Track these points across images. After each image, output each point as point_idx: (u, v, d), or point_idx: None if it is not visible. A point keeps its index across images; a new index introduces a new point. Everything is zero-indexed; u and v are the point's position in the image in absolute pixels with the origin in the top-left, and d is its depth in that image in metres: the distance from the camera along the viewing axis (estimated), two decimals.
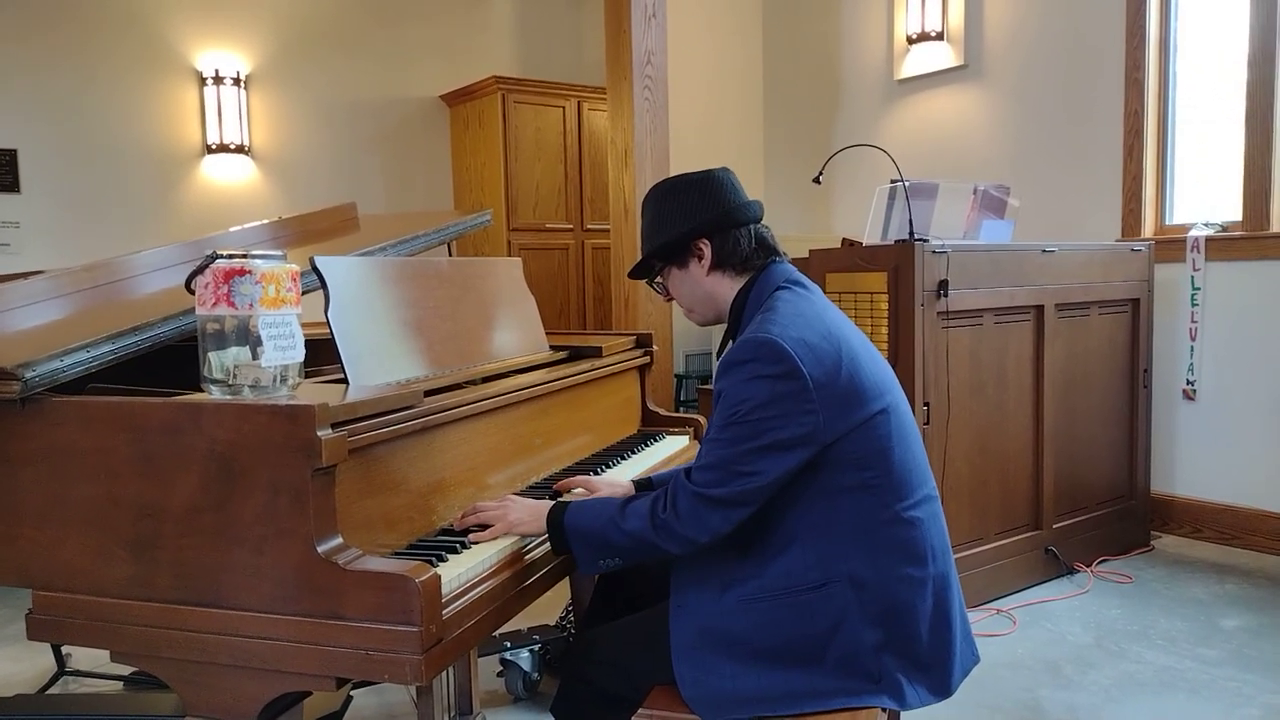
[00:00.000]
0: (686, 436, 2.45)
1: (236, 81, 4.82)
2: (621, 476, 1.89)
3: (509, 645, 2.46)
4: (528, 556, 1.52)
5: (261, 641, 1.23)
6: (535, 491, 1.80)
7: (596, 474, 1.93)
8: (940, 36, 4.65)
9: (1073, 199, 4.17)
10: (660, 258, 1.64)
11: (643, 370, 2.51)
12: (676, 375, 5.32)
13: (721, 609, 1.44)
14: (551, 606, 2.73)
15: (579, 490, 1.79)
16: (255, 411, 1.24)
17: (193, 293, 1.36)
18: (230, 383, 1.33)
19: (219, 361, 1.34)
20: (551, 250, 5.36)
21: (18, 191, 4.36)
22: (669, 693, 1.46)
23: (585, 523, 1.49)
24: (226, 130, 4.80)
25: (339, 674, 1.22)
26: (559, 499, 1.59)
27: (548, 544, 1.57)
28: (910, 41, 4.76)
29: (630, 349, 2.44)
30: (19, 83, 4.35)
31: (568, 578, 2.16)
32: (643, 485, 1.81)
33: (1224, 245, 3.65)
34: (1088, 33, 4.08)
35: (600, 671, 1.59)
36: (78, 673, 2.67)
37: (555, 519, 1.52)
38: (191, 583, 1.27)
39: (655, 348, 2.52)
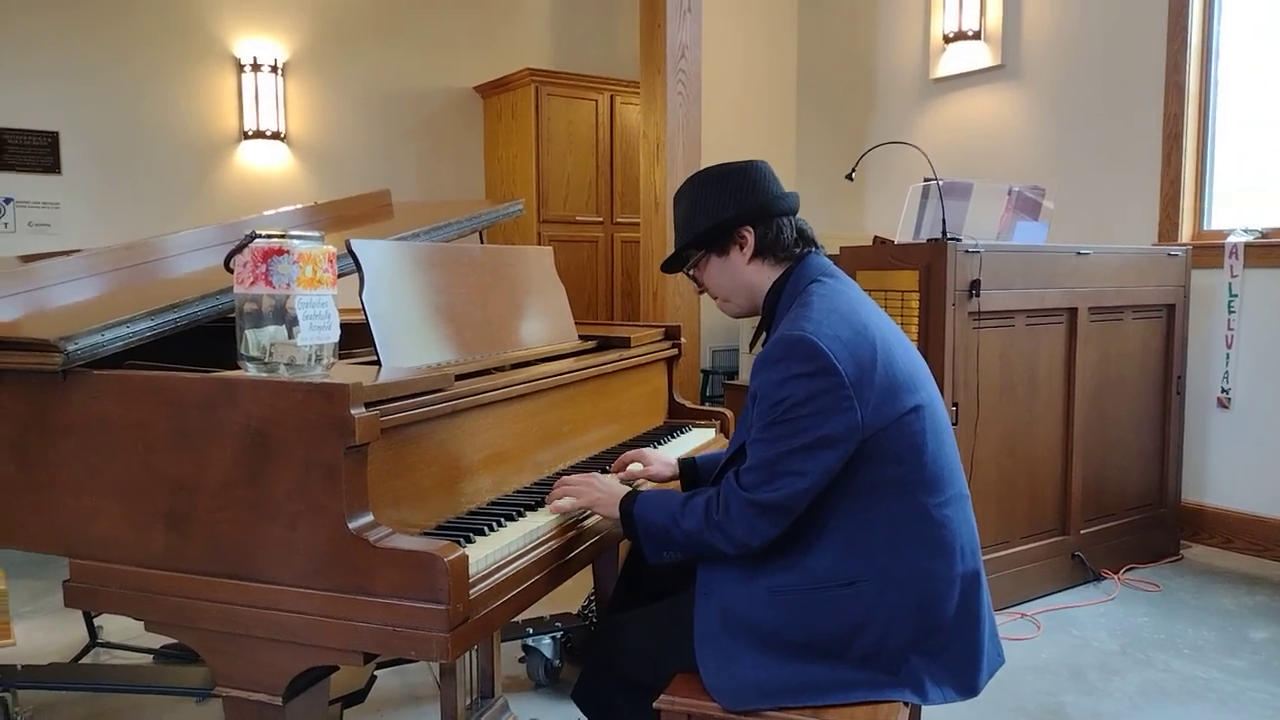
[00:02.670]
0: (713, 430, 2.45)
1: (274, 69, 4.86)
2: (668, 456, 1.92)
3: (531, 631, 2.48)
4: (553, 542, 1.53)
5: (292, 615, 1.25)
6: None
7: None
8: (977, 36, 4.61)
9: (1109, 202, 4.12)
10: (700, 245, 1.64)
11: (670, 362, 2.52)
12: (703, 370, 5.32)
13: (748, 598, 1.44)
14: (574, 595, 2.74)
15: (634, 466, 1.86)
16: (291, 389, 1.25)
17: (231, 271, 1.38)
18: (266, 360, 1.35)
19: (255, 339, 1.36)
20: (581, 243, 5.37)
21: (59, 173, 4.43)
22: (691, 680, 1.47)
23: (650, 515, 1.52)
24: (263, 117, 4.85)
25: (366, 649, 1.23)
26: (632, 488, 1.62)
27: (573, 531, 1.58)
28: (947, 40, 4.72)
29: (658, 340, 2.44)
30: (62, 67, 4.42)
31: (590, 567, 2.18)
32: (686, 466, 1.84)
33: (1263, 252, 3.59)
34: (1128, 35, 4.03)
35: (623, 658, 1.60)
36: (109, 644, 2.72)
37: (626, 507, 1.55)
38: (225, 555, 1.29)
39: (683, 340, 2.53)
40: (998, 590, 2.96)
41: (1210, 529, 3.76)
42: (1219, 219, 3.87)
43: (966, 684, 1.47)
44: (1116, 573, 3.37)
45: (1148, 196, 3.97)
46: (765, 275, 1.61)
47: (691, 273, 1.69)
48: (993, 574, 2.90)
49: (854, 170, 3.27)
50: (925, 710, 1.74)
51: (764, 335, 1.61)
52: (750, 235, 1.59)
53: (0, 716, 2.19)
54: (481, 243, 2.44)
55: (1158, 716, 2.36)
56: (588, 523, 1.64)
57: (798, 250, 1.60)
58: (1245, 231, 3.67)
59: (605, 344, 2.24)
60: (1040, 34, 4.39)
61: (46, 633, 2.93)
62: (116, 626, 2.76)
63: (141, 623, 1.37)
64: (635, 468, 1.86)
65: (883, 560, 1.42)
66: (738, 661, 1.42)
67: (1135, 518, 3.51)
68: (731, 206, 1.59)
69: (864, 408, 1.39)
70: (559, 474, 1.85)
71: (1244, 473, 3.69)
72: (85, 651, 2.69)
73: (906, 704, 1.44)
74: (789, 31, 5.74)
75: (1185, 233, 3.88)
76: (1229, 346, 3.69)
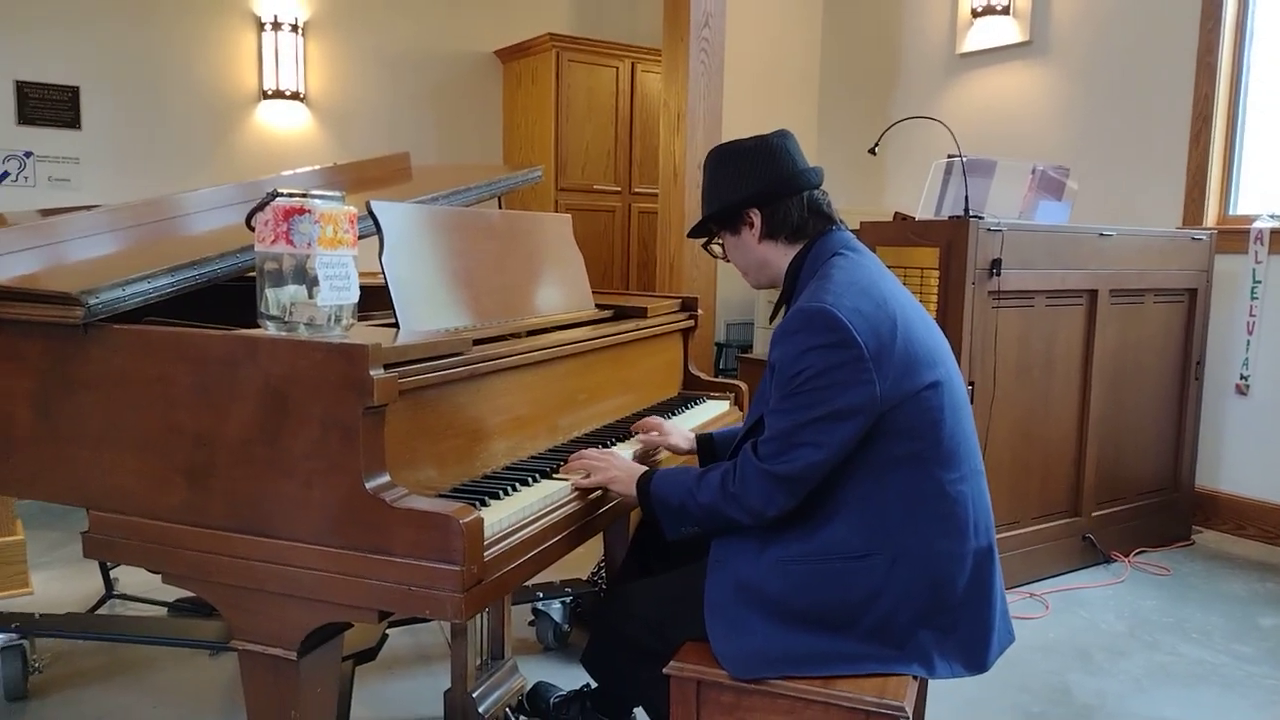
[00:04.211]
0: (727, 402, 2.45)
1: (295, 28, 4.83)
2: (686, 429, 1.95)
3: (541, 596, 2.50)
4: (567, 508, 1.54)
5: (308, 571, 1.26)
6: (576, 445, 1.81)
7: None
8: (1006, 11, 4.53)
9: (1134, 183, 4.07)
10: (714, 224, 1.66)
11: (686, 334, 2.51)
12: (717, 343, 5.31)
13: (759, 568, 1.45)
14: (584, 561, 2.76)
15: (652, 434, 1.89)
16: (311, 348, 1.26)
17: (252, 229, 1.38)
18: (286, 320, 1.35)
19: (276, 298, 1.36)
20: (598, 212, 5.34)
21: (79, 128, 4.43)
22: (700, 648, 1.48)
23: (666, 492, 1.54)
24: (283, 77, 4.83)
25: (381, 607, 1.24)
26: (648, 465, 1.64)
27: (588, 498, 1.59)
28: (975, 15, 4.65)
29: (675, 311, 2.44)
30: (84, 21, 4.41)
31: (601, 534, 2.19)
32: (704, 440, 1.85)
33: None
34: (1160, 12, 3.95)
35: (633, 625, 1.61)
36: (125, 596, 2.76)
37: (643, 485, 1.57)
38: (243, 511, 1.30)
39: (700, 311, 2.52)
40: (1008, 569, 2.94)
41: (1223, 515, 3.75)
42: (1245, 204, 3.82)
43: (976, 660, 1.47)
44: (1127, 555, 3.36)
45: (1173, 178, 3.92)
46: (779, 253, 1.61)
47: (716, 243, 1.70)
48: (1003, 553, 2.87)
49: (877, 145, 3.24)
50: (932, 684, 1.75)
51: (784, 307, 1.61)
52: (757, 217, 1.60)
53: (18, 664, 2.22)
54: (500, 209, 2.43)
55: (1163, 698, 2.37)
56: (599, 492, 1.65)
57: (812, 229, 1.59)
58: (1271, 217, 3.62)
59: (622, 313, 2.24)
60: (1070, 10, 4.31)
61: (64, 583, 2.97)
62: (133, 579, 2.79)
63: (157, 576, 1.39)
64: (652, 438, 1.88)
65: (896, 534, 1.42)
66: (747, 630, 1.43)
67: (1147, 501, 3.50)
68: (739, 189, 1.59)
69: (883, 381, 1.39)
70: (573, 441, 1.86)
71: (1259, 460, 3.66)
72: (101, 602, 2.73)
73: (915, 677, 1.45)
74: (814, 1, 5.67)
75: (1210, 216, 3.83)
76: (1250, 333, 3.65)
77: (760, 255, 1.63)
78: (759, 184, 1.58)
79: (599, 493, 1.62)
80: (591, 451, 1.67)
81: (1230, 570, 3.32)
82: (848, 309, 1.40)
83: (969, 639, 1.46)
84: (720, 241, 1.69)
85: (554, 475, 1.62)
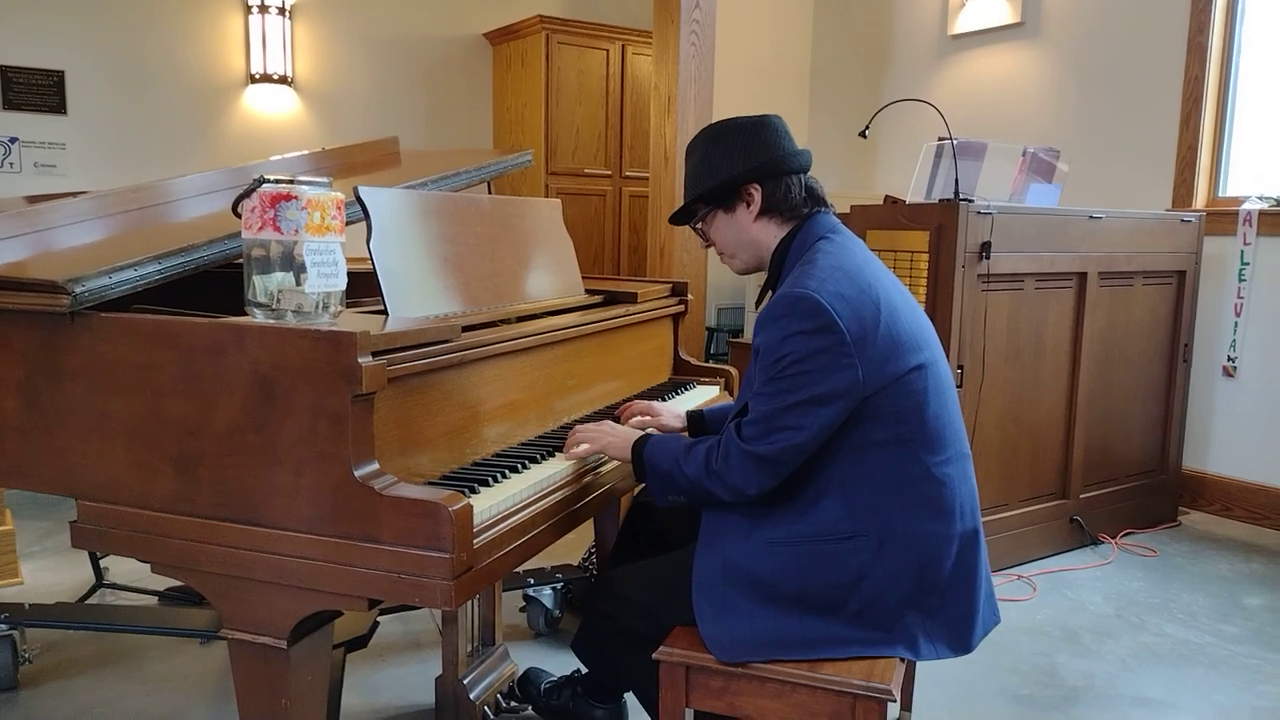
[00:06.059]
0: (717, 387, 2.45)
1: (282, 11, 4.79)
2: (678, 409, 1.96)
3: (532, 582, 2.51)
4: (556, 494, 1.54)
5: (298, 560, 1.26)
6: (567, 431, 1.81)
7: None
8: None
9: (1124, 165, 4.07)
10: (707, 201, 1.63)
11: (677, 319, 2.51)
12: (708, 328, 5.31)
13: (747, 550, 1.46)
14: (575, 547, 2.77)
15: (643, 417, 1.88)
16: (299, 336, 1.25)
17: (239, 216, 1.37)
18: (274, 307, 1.35)
19: (263, 285, 1.35)
20: (589, 196, 5.33)
21: (64, 113, 4.39)
22: (689, 633, 1.49)
23: (658, 458, 1.56)
24: (270, 60, 4.79)
25: (371, 595, 1.25)
26: (645, 432, 1.66)
27: (577, 483, 1.59)
28: None
29: (665, 296, 2.43)
30: (68, 4, 4.36)
31: (592, 520, 2.20)
32: (694, 418, 1.87)
33: (1277, 220, 3.55)
34: None
35: (623, 610, 1.62)
36: (115, 585, 2.76)
37: (638, 449, 1.59)
38: (232, 500, 1.30)
39: (690, 297, 2.52)
40: (995, 551, 2.98)
41: (1210, 496, 3.78)
42: (1234, 185, 3.83)
43: (961, 641, 1.48)
44: (1114, 537, 3.39)
45: (1164, 160, 3.92)
46: (771, 233, 1.60)
47: (699, 227, 1.68)
48: (991, 535, 2.92)
49: (868, 127, 3.23)
50: (920, 665, 1.77)
51: (770, 292, 1.61)
52: (757, 193, 1.59)
53: (8, 654, 2.22)
54: (490, 193, 2.42)
55: (1149, 679, 2.39)
56: (589, 477, 1.65)
57: (805, 209, 1.59)
58: (1260, 199, 3.63)
59: (612, 299, 2.24)
60: None
61: (53, 573, 2.96)
62: (122, 568, 2.79)
63: (147, 565, 1.39)
64: (644, 419, 1.89)
65: (882, 517, 1.43)
66: (734, 613, 1.44)
67: (1135, 483, 3.52)
68: (740, 163, 1.58)
69: (865, 365, 1.40)
70: (564, 427, 1.86)
71: (1246, 441, 3.69)
72: (91, 592, 2.72)
73: (901, 660, 1.46)
74: None
75: (1200, 198, 3.84)
76: (1238, 315, 3.67)
77: (752, 235, 1.62)
78: (762, 158, 1.57)
79: (589, 478, 1.62)
80: (588, 424, 1.69)
81: (1216, 551, 3.35)
82: (830, 294, 1.40)
83: (954, 620, 1.47)
84: (704, 226, 1.67)
85: (544, 461, 1.63)
